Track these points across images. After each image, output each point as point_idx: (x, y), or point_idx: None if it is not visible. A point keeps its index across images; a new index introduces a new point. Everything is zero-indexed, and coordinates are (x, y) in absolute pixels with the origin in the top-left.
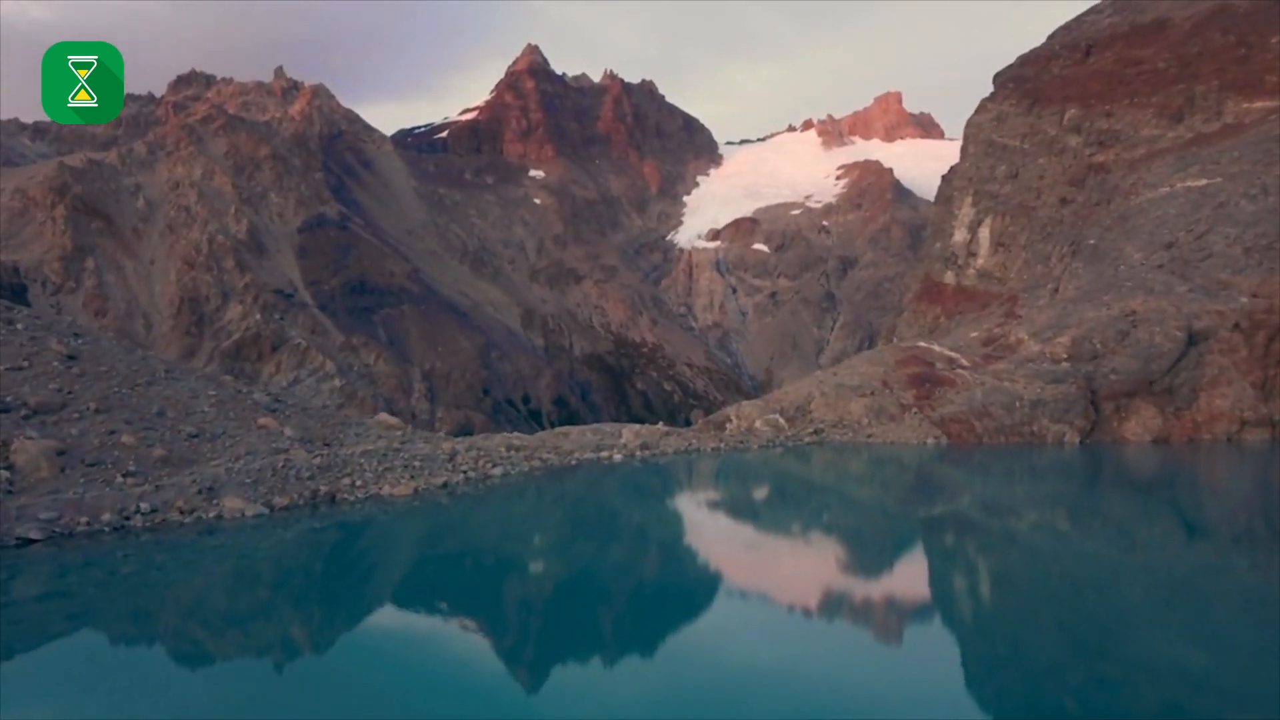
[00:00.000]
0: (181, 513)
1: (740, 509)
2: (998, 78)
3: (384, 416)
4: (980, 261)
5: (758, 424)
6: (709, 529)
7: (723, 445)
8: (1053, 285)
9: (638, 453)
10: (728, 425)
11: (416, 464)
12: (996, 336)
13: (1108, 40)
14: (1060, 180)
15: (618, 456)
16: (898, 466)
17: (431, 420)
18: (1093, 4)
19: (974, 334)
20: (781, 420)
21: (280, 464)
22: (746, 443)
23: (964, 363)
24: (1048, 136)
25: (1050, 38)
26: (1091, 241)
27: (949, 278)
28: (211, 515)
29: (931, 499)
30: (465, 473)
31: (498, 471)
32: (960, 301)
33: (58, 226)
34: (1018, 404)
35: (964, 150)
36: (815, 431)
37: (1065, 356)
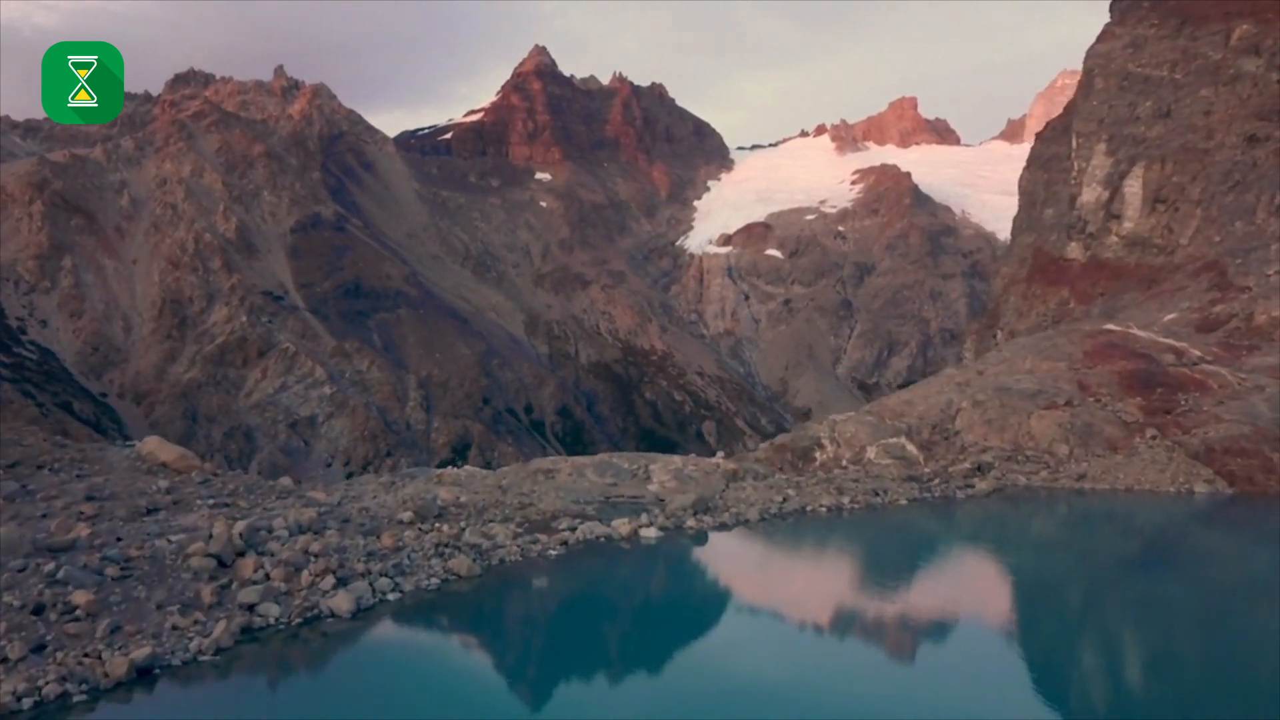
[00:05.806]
0: None
1: None
2: (1118, 2)
3: (151, 442)
4: (1128, 225)
5: (871, 454)
6: None
7: (846, 502)
8: (1278, 245)
9: (689, 520)
10: (817, 454)
11: (81, 610)
12: (1223, 317)
13: None
14: (1240, 114)
15: (651, 531)
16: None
17: (428, 430)
18: None
19: (1169, 315)
20: (910, 447)
21: None
22: (881, 492)
23: (1197, 354)
24: (1210, 62)
25: None
26: None
27: (1074, 250)
28: None
29: None
30: (252, 610)
31: (343, 605)
32: (1099, 279)
33: (34, 223)
34: None
35: (1085, 87)
36: (977, 468)
37: None
